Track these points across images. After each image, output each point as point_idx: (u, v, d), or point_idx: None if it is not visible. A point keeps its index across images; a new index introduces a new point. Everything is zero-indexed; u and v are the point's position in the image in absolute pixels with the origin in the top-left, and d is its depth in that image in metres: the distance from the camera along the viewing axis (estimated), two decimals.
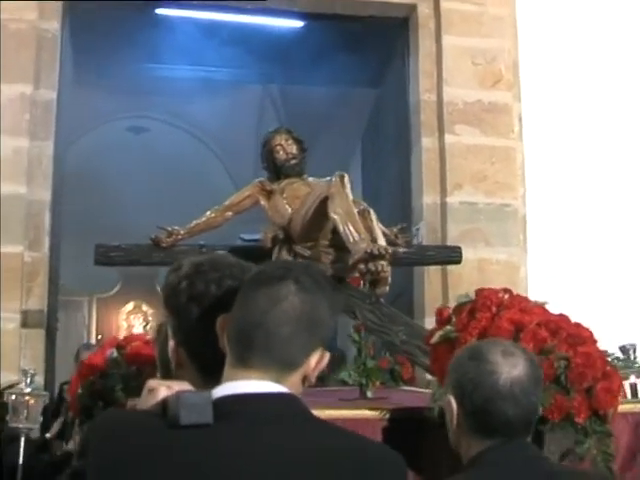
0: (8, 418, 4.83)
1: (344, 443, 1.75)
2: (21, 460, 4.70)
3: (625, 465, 3.25)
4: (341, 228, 4.07)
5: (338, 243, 4.22)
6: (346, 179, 4.23)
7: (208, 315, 1.94)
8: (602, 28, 6.96)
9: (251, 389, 1.73)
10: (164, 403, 1.73)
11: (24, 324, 5.86)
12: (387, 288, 4.08)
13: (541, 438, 2.66)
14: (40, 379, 5.71)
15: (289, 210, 4.67)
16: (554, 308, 6.17)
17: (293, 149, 5.00)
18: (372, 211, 4.40)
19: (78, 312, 14.89)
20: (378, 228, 4.29)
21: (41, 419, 5.03)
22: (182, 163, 13.49)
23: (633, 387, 4.04)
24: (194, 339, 1.99)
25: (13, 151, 5.95)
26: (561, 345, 2.84)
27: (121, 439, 1.71)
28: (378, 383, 4.69)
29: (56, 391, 6.65)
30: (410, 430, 3.01)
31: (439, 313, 3.14)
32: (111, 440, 1.72)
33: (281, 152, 4.97)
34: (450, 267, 6.32)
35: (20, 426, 4.80)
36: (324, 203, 4.21)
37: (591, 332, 3.00)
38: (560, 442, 2.73)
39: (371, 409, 3.21)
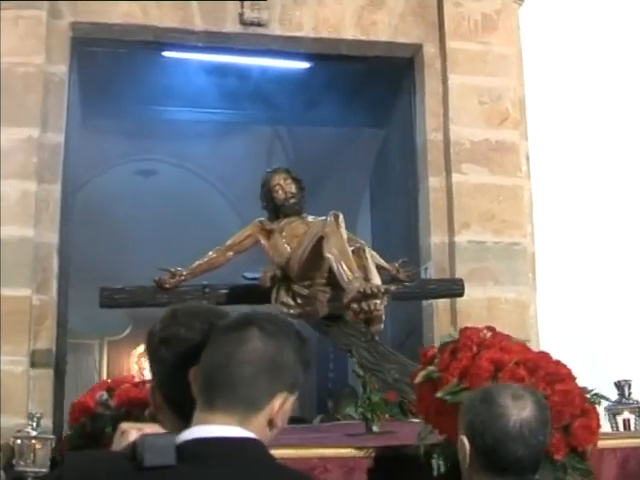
0: (14, 462, 4.82)
1: None
2: None
3: None
4: (335, 267, 4.13)
5: (335, 281, 4.27)
6: (340, 218, 4.29)
7: (180, 359, 2.00)
8: (608, 65, 6.97)
9: (216, 433, 1.78)
10: (134, 445, 1.77)
11: (32, 364, 5.84)
12: (382, 326, 4.23)
13: None
14: (48, 422, 5.69)
15: (288, 249, 4.72)
16: (565, 345, 6.19)
17: (292, 188, 5.05)
18: (367, 249, 4.45)
19: (89, 355, 14.84)
20: (373, 266, 4.33)
21: (49, 463, 5.02)
22: (191, 205, 13.48)
23: (626, 422, 4.08)
24: (168, 383, 2.05)
25: (21, 194, 5.97)
26: (539, 383, 2.87)
27: None
28: (387, 416, 4.69)
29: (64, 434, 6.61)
30: (397, 468, 3.01)
31: (424, 353, 3.18)
32: None
33: (280, 192, 5.02)
34: (459, 306, 6.31)
35: (27, 470, 4.79)
36: (320, 242, 4.23)
37: (569, 370, 3.02)
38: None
39: (357, 448, 3.25)
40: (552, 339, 6.41)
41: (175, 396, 2.01)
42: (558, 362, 3.00)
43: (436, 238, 6.64)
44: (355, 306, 3.95)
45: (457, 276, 6.37)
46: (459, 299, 6.25)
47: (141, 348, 15.58)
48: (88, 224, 10.09)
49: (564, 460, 2.78)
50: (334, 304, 4.37)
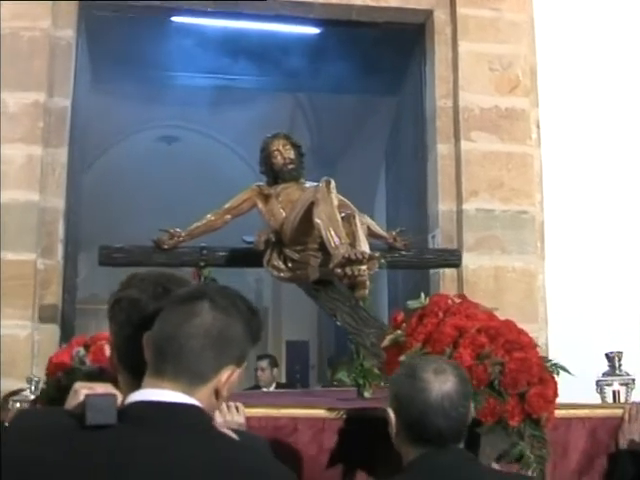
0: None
1: (240, 458, 1.81)
2: None
3: (582, 469, 3.31)
4: (323, 233, 4.13)
5: (326, 247, 4.26)
6: (332, 184, 4.29)
7: (134, 322, 2.03)
8: (620, 32, 6.86)
9: (160, 397, 1.82)
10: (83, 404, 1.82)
11: (40, 319, 5.88)
12: (367, 291, 4.20)
13: (477, 441, 2.75)
14: None
15: (283, 214, 4.73)
16: (572, 315, 6.16)
17: (291, 154, 5.04)
18: (358, 216, 4.43)
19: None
20: (362, 233, 4.32)
21: None
22: (213, 171, 13.50)
23: (616, 394, 4.05)
24: (123, 344, 2.08)
25: (26, 158, 5.98)
26: (497, 350, 2.89)
27: (29, 442, 1.76)
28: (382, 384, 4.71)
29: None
30: (367, 430, 3.02)
31: (394, 318, 3.18)
32: (19, 442, 1.77)
33: (279, 157, 5.02)
34: (466, 275, 6.30)
35: None
36: (312, 208, 4.24)
37: (531, 338, 3.04)
38: (496, 444, 2.81)
39: (329, 409, 3.27)
40: (560, 309, 6.38)
41: (130, 357, 2.02)
42: (521, 331, 3.00)
43: (444, 206, 6.60)
44: (339, 271, 3.98)
45: (464, 244, 6.34)
46: (466, 267, 6.22)
47: None
48: (107, 190, 10.14)
49: (520, 426, 2.79)
50: (325, 269, 4.38)
